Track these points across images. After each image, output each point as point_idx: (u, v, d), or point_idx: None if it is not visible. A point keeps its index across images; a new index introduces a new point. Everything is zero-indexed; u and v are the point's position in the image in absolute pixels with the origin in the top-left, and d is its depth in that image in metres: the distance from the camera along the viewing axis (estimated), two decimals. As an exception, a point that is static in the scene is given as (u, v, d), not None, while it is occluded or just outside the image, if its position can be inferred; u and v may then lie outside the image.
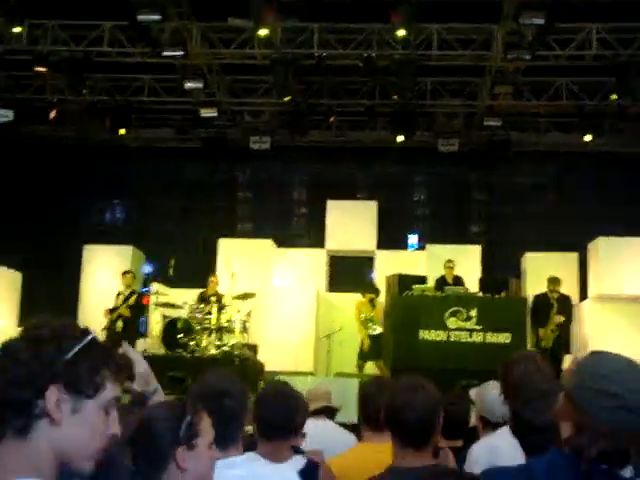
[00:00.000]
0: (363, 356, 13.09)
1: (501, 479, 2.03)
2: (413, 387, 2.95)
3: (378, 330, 12.92)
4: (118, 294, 13.18)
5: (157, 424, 2.38)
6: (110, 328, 12.61)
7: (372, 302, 13.18)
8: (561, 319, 12.76)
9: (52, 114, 15.48)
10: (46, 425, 1.63)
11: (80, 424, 1.67)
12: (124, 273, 13.51)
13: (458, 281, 13.33)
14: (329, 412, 5.19)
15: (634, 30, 13.53)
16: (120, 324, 12.68)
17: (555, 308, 12.82)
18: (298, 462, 3.27)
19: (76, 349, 1.67)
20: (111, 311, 12.86)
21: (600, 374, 1.98)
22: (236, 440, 2.95)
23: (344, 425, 5.38)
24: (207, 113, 15.41)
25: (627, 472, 1.99)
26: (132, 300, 12.91)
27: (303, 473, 3.18)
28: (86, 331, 1.73)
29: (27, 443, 1.62)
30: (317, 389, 5.44)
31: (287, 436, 3.28)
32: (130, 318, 12.87)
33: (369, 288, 13.57)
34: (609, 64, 13.72)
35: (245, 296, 12.95)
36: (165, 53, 13.44)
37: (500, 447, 3.25)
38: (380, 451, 3.33)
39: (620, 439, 1.93)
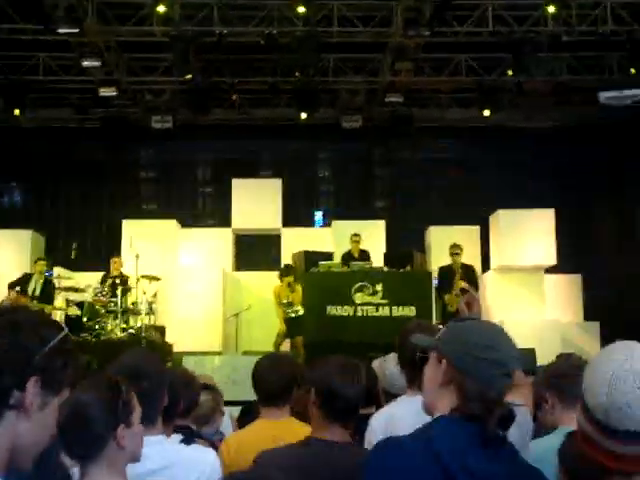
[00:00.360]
0: (282, 336, 12.97)
1: (393, 448, 2.05)
2: (347, 366, 3.03)
3: (300, 311, 12.61)
4: (27, 275, 12.75)
5: (90, 409, 2.35)
6: None
7: (290, 285, 12.93)
8: (464, 284, 12.99)
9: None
10: (13, 417, 1.56)
11: (42, 420, 1.62)
12: (37, 260, 13.10)
13: (364, 255, 13.42)
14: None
15: (528, 7, 13.84)
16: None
17: (459, 274, 13.15)
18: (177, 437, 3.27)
19: (53, 343, 1.61)
20: (12, 286, 12.38)
21: (485, 344, 2.04)
22: (153, 421, 2.90)
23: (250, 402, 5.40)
24: (106, 92, 15.04)
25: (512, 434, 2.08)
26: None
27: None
28: (59, 324, 1.68)
29: None
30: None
31: (169, 418, 3.25)
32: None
33: (285, 271, 13.22)
34: (505, 41, 14.01)
35: (151, 278, 12.78)
36: (60, 30, 13.02)
37: (397, 415, 3.31)
38: (277, 427, 3.37)
39: (504, 404, 2.00)
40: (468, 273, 13.42)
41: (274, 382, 3.45)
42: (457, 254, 13.40)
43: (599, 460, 1.71)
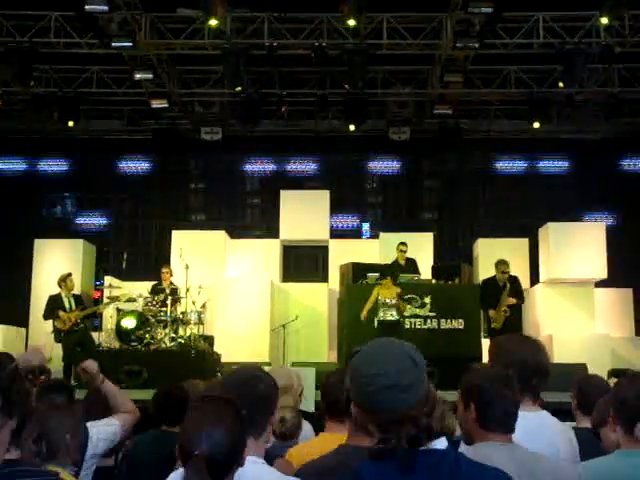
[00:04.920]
0: None
1: None
2: None
3: (395, 316, 11.39)
4: (53, 297, 12.45)
5: None
6: (74, 330, 12.20)
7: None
8: (512, 301, 12.46)
9: (-2, 106, 15.23)
10: None
11: (1, 438, 1.70)
12: (66, 278, 12.53)
13: (410, 264, 13.19)
14: None
15: (579, 19, 13.72)
16: (82, 326, 12.39)
17: (507, 289, 12.28)
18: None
19: (10, 369, 1.70)
20: (48, 317, 12.32)
21: (370, 374, 2.08)
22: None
23: (303, 414, 5.40)
24: (157, 104, 15.28)
25: (438, 444, 2.05)
26: (89, 310, 12.61)
27: None
28: (10, 355, 1.75)
29: None
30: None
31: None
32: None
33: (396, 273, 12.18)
34: (556, 52, 13.89)
35: (199, 288, 12.86)
36: (114, 44, 13.27)
37: None
38: (341, 441, 3.35)
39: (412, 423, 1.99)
40: (516, 286, 12.81)
41: (341, 394, 3.41)
42: (505, 272, 12.43)
43: None
